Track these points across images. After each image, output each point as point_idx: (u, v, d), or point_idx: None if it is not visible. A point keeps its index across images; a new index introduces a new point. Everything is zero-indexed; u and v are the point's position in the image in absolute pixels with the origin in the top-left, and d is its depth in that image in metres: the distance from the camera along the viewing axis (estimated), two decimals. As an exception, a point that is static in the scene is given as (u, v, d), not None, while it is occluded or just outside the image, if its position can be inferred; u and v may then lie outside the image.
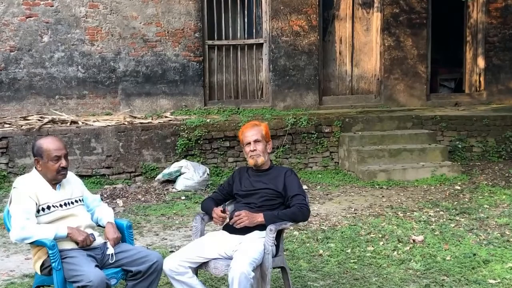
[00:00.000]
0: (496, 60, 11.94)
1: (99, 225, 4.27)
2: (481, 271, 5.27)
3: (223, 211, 4.24)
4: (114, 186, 8.96)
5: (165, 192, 8.72)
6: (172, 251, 5.83)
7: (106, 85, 10.50)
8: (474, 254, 5.66)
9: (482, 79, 12.06)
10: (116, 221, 4.27)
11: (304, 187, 8.89)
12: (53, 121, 9.62)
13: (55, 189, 4.05)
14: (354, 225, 6.83)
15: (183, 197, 8.43)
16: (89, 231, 4.03)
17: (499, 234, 6.32)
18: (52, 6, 10.20)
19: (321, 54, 11.23)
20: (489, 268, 5.33)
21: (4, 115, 10.13)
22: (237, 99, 11.04)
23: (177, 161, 9.26)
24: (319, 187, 9.00)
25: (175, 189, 8.82)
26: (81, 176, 9.04)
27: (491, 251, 5.75)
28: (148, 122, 9.71)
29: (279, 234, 4.21)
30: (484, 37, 11.93)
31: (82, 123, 9.63)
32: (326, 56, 11.45)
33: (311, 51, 11.01)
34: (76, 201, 4.12)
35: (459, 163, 9.77)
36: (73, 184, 4.19)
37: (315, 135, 9.92)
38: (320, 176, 9.64)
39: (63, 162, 3.98)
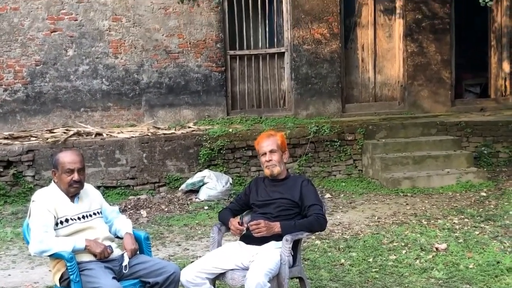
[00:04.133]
0: (522, 64, 11.79)
1: (117, 237, 4.31)
2: (505, 279, 5.18)
3: (240, 223, 4.25)
4: (138, 197, 9.04)
5: (188, 202, 8.76)
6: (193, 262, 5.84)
7: (130, 97, 10.62)
8: (498, 262, 5.57)
9: (507, 83, 11.90)
10: (134, 232, 4.30)
11: (328, 195, 8.86)
12: (78, 134, 9.75)
13: (73, 202, 4.11)
14: (377, 233, 6.77)
15: (206, 207, 8.46)
16: (107, 243, 4.07)
17: (525, 241, 6.22)
18: (76, 20, 10.38)
19: (343, 62, 11.20)
20: (513, 276, 5.24)
21: (31, 128, 10.31)
22: (259, 108, 11.06)
23: (200, 171, 9.30)
24: (342, 195, 8.95)
25: (198, 199, 8.86)
26: (106, 188, 9.27)
27: (516, 259, 5.66)
28: (172, 133, 9.79)
29: (296, 244, 4.20)
30: (509, 41, 11.79)
31: (107, 135, 9.75)
32: (349, 64, 11.41)
33: (333, 58, 10.99)
34: (95, 214, 4.16)
35: (485, 169, 9.65)
36: (91, 196, 4.24)
37: (338, 143, 9.88)
38: (343, 184, 9.59)
39: (75, 176, 4.03)
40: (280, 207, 4.26)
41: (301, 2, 10.76)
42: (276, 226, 4.10)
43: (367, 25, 11.36)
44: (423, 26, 11.29)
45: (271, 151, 4.32)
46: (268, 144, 4.35)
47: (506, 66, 11.86)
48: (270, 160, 4.31)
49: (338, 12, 10.94)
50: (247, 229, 4.18)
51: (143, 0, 10.42)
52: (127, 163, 9.45)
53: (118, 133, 9.86)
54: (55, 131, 10.01)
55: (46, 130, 10.12)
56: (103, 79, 10.53)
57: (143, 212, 8.29)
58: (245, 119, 10.58)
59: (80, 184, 4.08)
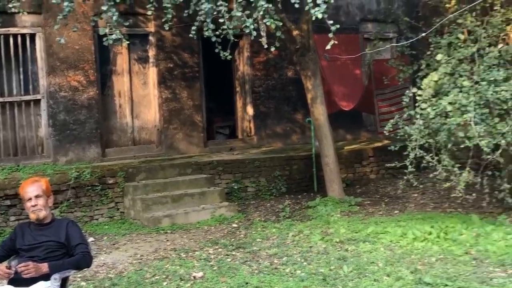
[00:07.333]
0: (262, 108, 13.27)
1: None
2: (251, 296, 5.98)
3: (8, 267, 4.40)
4: None
5: None
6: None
7: None
8: (247, 283, 6.38)
9: (252, 125, 13.29)
10: None
11: (91, 239, 9.06)
12: None
13: None
14: (140, 269, 7.21)
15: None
16: None
17: (269, 263, 7.14)
18: None
19: (101, 108, 11.54)
20: (259, 293, 6.07)
21: None
22: (16, 156, 10.84)
23: (-47, 224, 8.87)
24: (105, 237, 9.21)
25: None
26: None
27: (261, 279, 6.50)
28: None
29: (64, 282, 4.47)
30: (251, 87, 13.22)
31: None
32: (107, 110, 11.77)
33: (91, 105, 11.27)
34: None
35: (236, 203, 10.69)
36: None
37: (100, 187, 10.14)
38: (106, 227, 9.85)
39: None
40: (47, 250, 4.51)
41: (56, 50, 10.91)
42: (44, 267, 4.34)
43: (122, 73, 11.87)
44: (175, 74, 12.16)
45: (37, 196, 4.57)
46: (33, 189, 4.58)
47: (249, 109, 13.26)
48: (36, 204, 4.55)
49: (94, 60, 11.30)
50: (16, 272, 4.35)
51: None
52: None
53: None
54: None
55: None
56: None
57: None
58: (1, 168, 10.32)
59: None
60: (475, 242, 7.42)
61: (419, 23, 10.97)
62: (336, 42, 7.46)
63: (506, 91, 7.79)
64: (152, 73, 12.12)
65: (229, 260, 7.40)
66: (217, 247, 8.12)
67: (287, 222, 9.34)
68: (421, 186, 10.14)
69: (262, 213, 10.29)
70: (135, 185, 10.31)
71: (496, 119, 7.88)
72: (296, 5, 7.70)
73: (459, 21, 8.69)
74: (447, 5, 9.63)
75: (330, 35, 7.46)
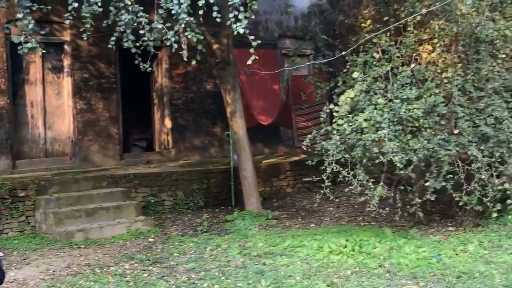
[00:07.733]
0: (181, 121, 13.18)
1: None
2: (170, 312, 5.88)
3: None
4: None
5: None
6: None
7: None
8: (165, 298, 6.28)
9: (170, 138, 13.16)
10: None
11: (0, 254, 8.67)
12: None
13: None
14: (53, 286, 6.96)
15: None
16: None
17: (186, 278, 7.06)
18: None
19: (12, 118, 11.09)
20: (177, 309, 5.98)
21: None
22: None
23: None
24: (15, 253, 8.82)
25: None
26: None
27: (179, 294, 6.43)
28: None
29: (-29, 302, 4.24)
30: (169, 100, 13.11)
31: None
32: (18, 120, 11.34)
33: (1, 115, 10.83)
34: None
35: (152, 217, 10.53)
36: None
37: (10, 200, 9.72)
38: (16, 241, 9.44)
39: None
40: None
41: (-36, 57, 10.45)
42: (-49, 285, 4.11)
43: (35, 82, 11.47)
44: (91, 85, 11.88)
45: None
46: None
47: (168, 122, 13.13)
48: None
49: (6, 68, 10.87)
50: None
51: None
52: None
53: None
54: None
55: None
56: None
57: None
58: None
59: None
60: (388, 255, 7.64)
61: (336, 41, 11.25)
62: (257, 57, 7.52)
63: (418, 109, 8.11)
64: (66, 83, 11.80)
65: (145, 275, 7.26)
66: (133, 262, 7.95)
67: (205, 236, 9.28)
68: (336, 200, 10.34)
69: (180, 227, 10.19)
70: (48, 198, 9.96)
71: (409, 136, 8.19)
72: (218, 19, 7.72)
73: (374, 40, 8.98)
74: (362, 25, 9.92)
75: (251, 50, 7.53)
